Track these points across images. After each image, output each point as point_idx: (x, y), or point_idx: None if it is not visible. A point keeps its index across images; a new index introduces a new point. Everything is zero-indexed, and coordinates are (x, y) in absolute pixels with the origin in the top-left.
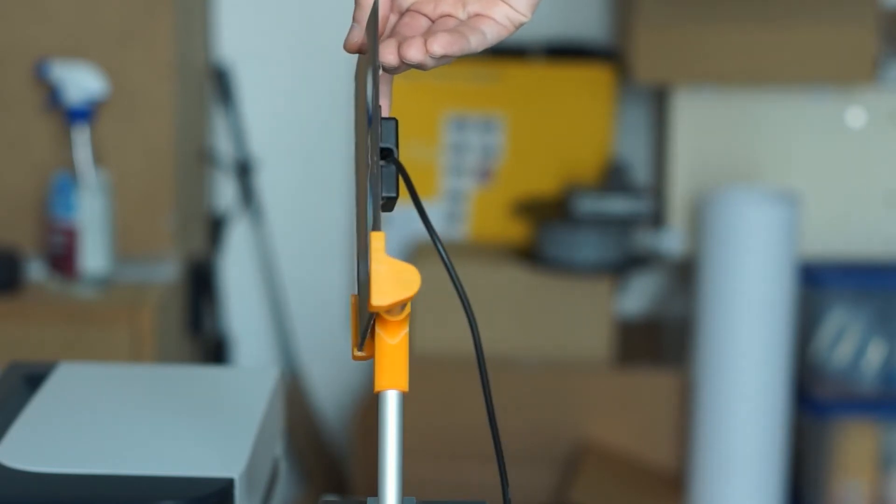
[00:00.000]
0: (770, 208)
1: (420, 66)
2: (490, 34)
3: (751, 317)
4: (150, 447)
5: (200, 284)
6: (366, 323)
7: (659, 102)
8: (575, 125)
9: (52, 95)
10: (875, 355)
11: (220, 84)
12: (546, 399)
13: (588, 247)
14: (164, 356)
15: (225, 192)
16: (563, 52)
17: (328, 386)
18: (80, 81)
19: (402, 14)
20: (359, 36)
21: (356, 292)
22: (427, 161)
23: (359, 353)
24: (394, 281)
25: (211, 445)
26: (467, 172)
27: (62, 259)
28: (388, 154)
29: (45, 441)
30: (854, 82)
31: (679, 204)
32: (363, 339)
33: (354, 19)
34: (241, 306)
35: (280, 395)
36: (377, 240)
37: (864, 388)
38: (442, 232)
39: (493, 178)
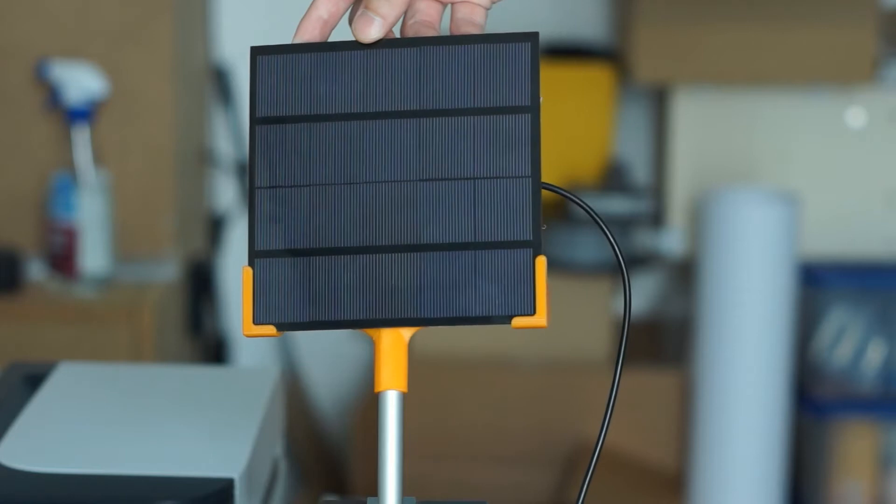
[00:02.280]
0: (770, 208)
1: None
2: (482, 23)
3: (751, 317)
4: (150, 447)
5: (200, 284)
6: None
7: (659, 102)
8: (575, 125)
9: (52, 95)
10: (875, 355)
11: (220, 84)
12: (546, 399)
13: (588, 247)
14: (164, 356)
15: (225, 192)
16: (563, 52)
17: (328, 386)
18: (80, 81)
19: None
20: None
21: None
22: None
23: (255, 329)
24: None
25: (211, 445)
26: None
27: (62, 259)
28: None
29: (45, 441)
30: (854, 82)
31: (679, 204)
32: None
33: (370, 8)
34: (241, 306)
35: (280, 395)
36: (543, 264)
37: (864, 388)
38: None
39: None
